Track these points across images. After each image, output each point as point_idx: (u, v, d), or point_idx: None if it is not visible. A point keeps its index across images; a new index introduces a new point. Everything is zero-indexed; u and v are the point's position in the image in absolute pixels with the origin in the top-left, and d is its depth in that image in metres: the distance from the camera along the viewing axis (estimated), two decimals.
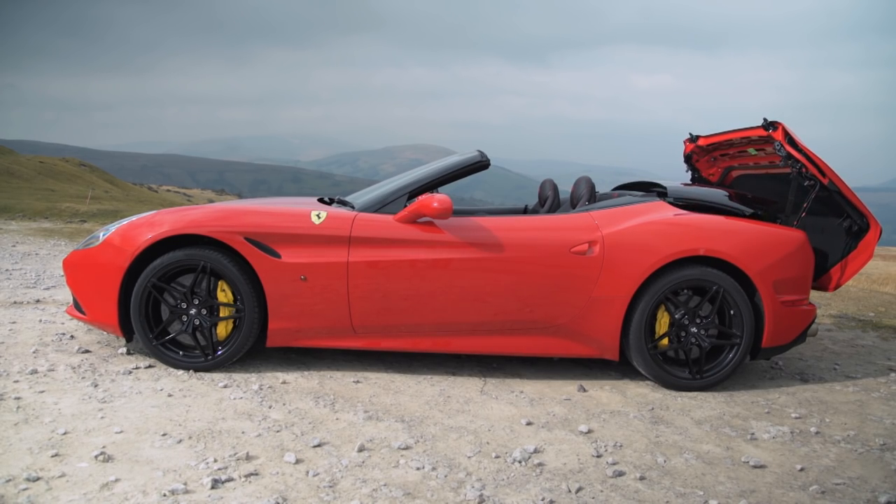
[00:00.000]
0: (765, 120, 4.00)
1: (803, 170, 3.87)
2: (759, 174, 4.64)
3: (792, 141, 3.87)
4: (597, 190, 4.14)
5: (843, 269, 4.04)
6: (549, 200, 4.30)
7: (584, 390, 3.62)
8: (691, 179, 4.94)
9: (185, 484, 2.33)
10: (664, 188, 4.07)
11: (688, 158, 5.02)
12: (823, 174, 3.84)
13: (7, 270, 6.22)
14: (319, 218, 3.57)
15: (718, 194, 4.06)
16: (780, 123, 3.93)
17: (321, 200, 4.09)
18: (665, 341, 3.70)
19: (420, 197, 3.61)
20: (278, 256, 3.50)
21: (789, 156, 3.87)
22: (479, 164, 3.81)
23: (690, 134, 4.89)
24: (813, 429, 3.21)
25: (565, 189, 4.43)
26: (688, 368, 3.71)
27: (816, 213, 4.09)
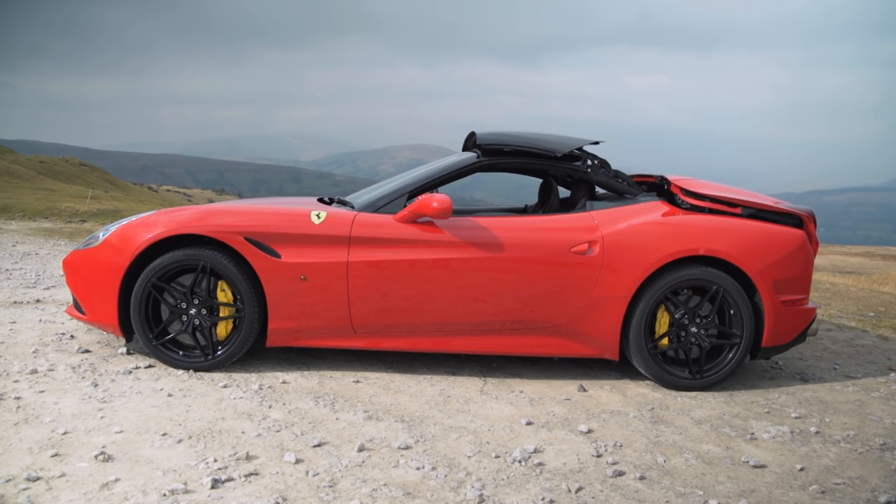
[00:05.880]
0: (661, 177, 4.08)
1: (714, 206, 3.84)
2: None
3: (691, 193, 3.86)
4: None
5: None
6: (548, 200, 4.30)
7: (584, 390, 3.62)
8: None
9: (185, 484, 2.33)
10: (474, 134, 4.04)
11: None
12: (735, 205, 3.82)
13: (7, 270, 6.22)
14: (319, 218, 3.57)
15: (530, 138, 3.96)
16: (671, 181, 3.96)
17: (321, 200, 4.09)
18: (665, 341, 3.70)
19: (420, 197, 3.61)
20: (278, 256, 3.50)
21: (693, 207, 3.84)
22: (479, 164, 3.81)
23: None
24: (813, 429, 3.22)
25: (565, 189, 4.43)
26: (688, 368, 3.71)
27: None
